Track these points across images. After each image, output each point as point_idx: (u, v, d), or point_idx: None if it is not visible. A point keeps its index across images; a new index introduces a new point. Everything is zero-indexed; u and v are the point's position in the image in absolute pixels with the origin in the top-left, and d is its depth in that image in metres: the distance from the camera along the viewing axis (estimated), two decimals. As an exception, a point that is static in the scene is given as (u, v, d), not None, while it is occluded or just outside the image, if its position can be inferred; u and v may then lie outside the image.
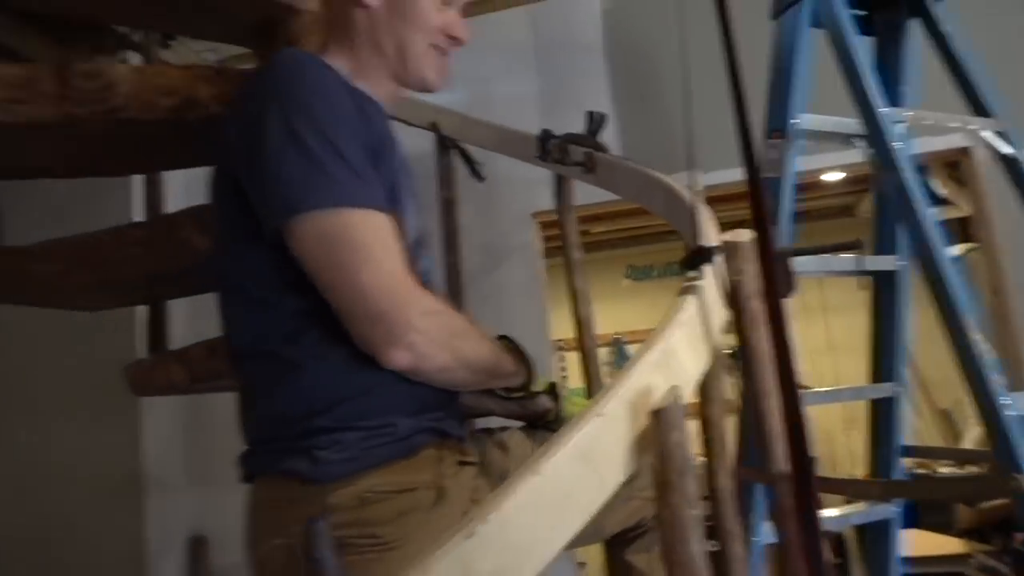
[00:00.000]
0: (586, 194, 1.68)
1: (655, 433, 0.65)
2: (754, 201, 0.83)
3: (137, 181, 2.00)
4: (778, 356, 0.78)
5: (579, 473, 0.63)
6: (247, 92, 0.87)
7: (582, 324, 1.60)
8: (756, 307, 0.91)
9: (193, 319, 1.76)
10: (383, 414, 0.82)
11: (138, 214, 1.97)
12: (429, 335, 0.79)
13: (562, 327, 2.32)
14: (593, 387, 1.57)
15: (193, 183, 1.81)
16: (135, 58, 2.16)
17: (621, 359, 4.71)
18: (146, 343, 1.60)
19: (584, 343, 1.60)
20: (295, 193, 0.78)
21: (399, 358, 0.78)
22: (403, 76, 0.96)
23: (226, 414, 2.01)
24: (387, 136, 0.90)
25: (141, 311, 1.92)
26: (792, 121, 1.52)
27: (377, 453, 0.81)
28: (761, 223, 0.83)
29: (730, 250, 0.91)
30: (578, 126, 1.53)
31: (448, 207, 1.78)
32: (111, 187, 2.05)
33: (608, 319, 4.62)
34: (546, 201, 2.07)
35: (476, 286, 2.07)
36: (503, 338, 0.97)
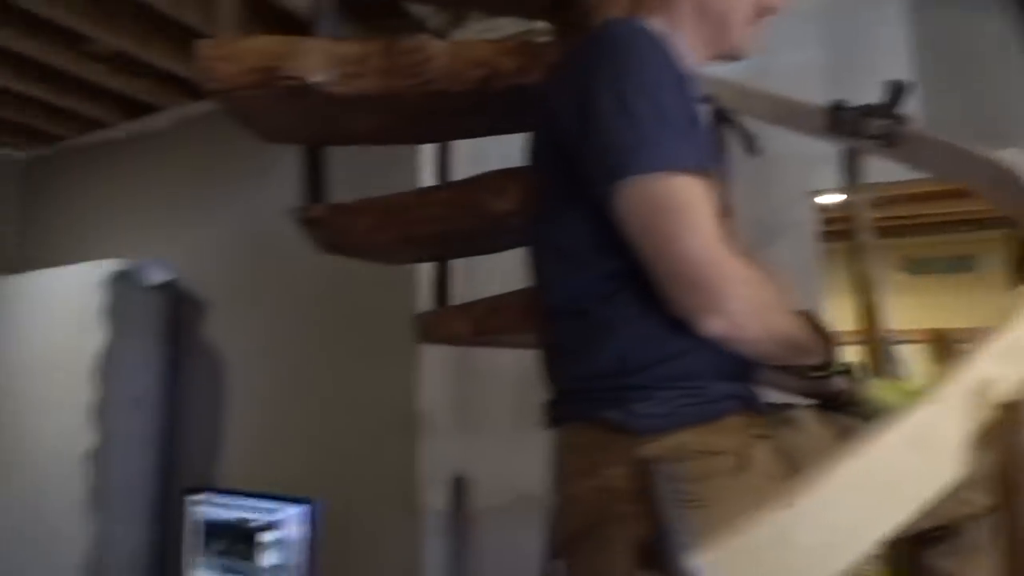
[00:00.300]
0: (875, 174, 1.54)
1: (1001, 429, 0.59)
2: None
3: (428, 149, 2.20)
4: None
5: (909, 460, 0.58)
6: (576, 61, 0.90)
7: (871, 312, 1.47)
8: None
9: (467, 280, 1.90)
10: (694, 377, 0.83)
11: (426, 180, 2.16)
12: (746, 305, 0.79)
13: (834, 318, 2.16)
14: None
15: (479, 152, 1.96)
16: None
17: (888, 359, 4.26)
18: (430, 297, 1.77)
19: (872, 334, 1.47)
20: (623, 158, 0.80)
21: (715, 325, 0.79)
22: (719, 44, 0.96)
23: (491, 369, 2.18)
24: (697, 103, 0.90)
25: (426, 268, 2.13)
26: None
27: (688, 412, 0.82)
28: None
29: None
30: (866, 98, 1.39)
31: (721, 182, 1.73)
32: (404, 155, 2.28)
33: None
34: (824, 180, 1.93)
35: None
36: (806, 313, 0.93)
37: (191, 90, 2.92)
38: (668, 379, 0.83)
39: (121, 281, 2.85)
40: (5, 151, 3.78)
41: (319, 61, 1.32)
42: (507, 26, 2.49)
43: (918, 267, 4.46)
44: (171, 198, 3.20)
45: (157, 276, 2.95)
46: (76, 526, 2.66)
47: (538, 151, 0.96)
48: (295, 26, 2.33)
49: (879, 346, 1.46)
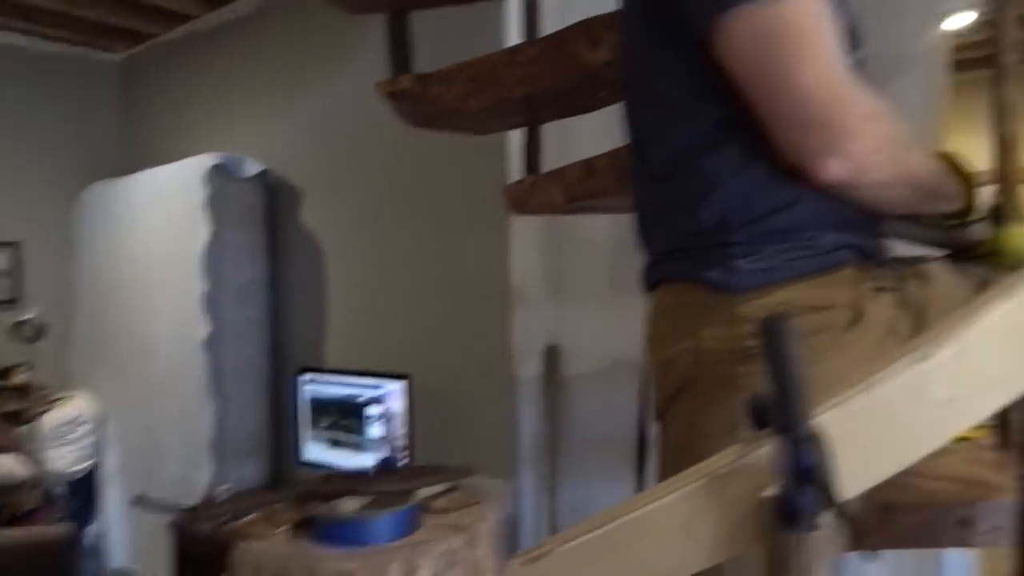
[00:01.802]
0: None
1: None
2: None
3: (512, 3, 2.06)
4: None
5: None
6: None
7: (1006, 146, 1.31)
8: None
9: (563, 144, 1.81)
10: (805, 227, 0.76)
11: (513, 38, 2.05)
12: (872, 144, 0.71)
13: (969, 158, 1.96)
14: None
15: (565, 2, 1.82)
16: None
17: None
18: (520, 165, 1.70)
19: (1005, 168, 1.32)
20: None
21: (836, 169, 0.71)
22: None
23: (583, 237, 2.13)
24: None
25: (514, 136, 2.06)
26: None
27: (796, 265, 0.76)
28: None
29: None
30: None
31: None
32: (488, 11, 2.14)
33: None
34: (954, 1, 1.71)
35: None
36: (945, 154, 0.82)
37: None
38: (775, 232, 0.76)
39: (218, 175, 2.94)
40: (100, 55, 3.86)
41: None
42: None
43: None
44: (259, 86, 3.22)
45: (251, 167, 3.01)
46: (201, 406, 2.89)
47: None
48: None
49: (1013, 189, 1.31)
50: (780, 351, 0.46)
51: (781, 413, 0.46)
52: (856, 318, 0.76)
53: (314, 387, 2.67)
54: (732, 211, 0.77)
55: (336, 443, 2.58)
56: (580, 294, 2.17)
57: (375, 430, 2.45)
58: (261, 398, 3.06)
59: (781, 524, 0.44)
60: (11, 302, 3.52)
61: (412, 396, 2.36)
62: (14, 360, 3.29)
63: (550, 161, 1.62)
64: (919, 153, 0.77)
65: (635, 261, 0.93)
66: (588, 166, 1.36)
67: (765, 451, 0.48)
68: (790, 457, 0.43)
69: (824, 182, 0.72)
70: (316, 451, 2.65)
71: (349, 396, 2.54)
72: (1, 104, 3.55)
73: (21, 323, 2.81)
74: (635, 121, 0.89)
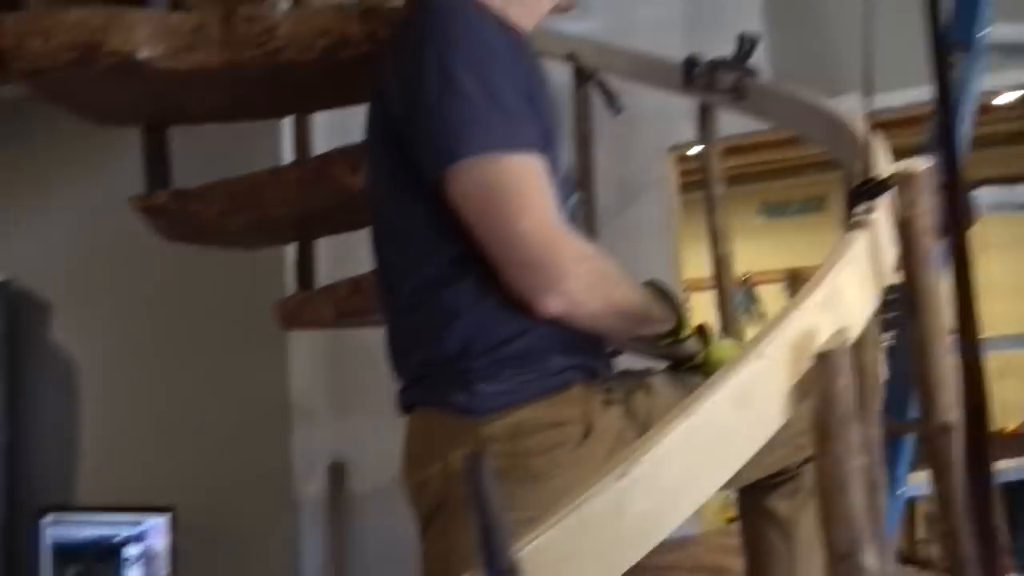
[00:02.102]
0: (727, 127, 1.61)
1: (818, 378, 0.62)
2: (942, 127, 0.75)
3: (287, 124, 2.09)
4: (960, 298, 0.72)
5: (736, 416, 0.61)
6: (402, 36, 0.87)
7: (720, 263, 1.54)
8: (929, 244, 0.84)
9: (339, 257, 1.84)
10: (536, 353, 0.83)
11: (287, 156, 2.07)
12: (582, 282, 0.80)
13: (692, 266, 2.26)
14: (728, 328, 1.53)
15: (338, 124, 1.88)
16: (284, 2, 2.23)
17: (748, 299, 4.53)
18: (295, 280, 1.70)
19: (721, 283, 1.55)
20: (453, 140, 0.79)
21: (552, 305, 0.79)
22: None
23: (365, 348, 2.13)
24: (540, 72, 0.90)
25: (290, 249, 2.05)
26: (979, 33, 1.36)
27: (530, 388, 0.83)
28: (950, 151, 0.75)
29: (903, 181, 0.84)
30: (725, 50, 1.44)
31: (583, 141, 1.75)
32: (262, 131, 2.16)
33: (738, 258, 4.41)
34: (684, 134, 2.00)
35: (609, 222, 2.04)
36: (651, 283, 0.95)
37: (6, 69, 2.64)
38: (511, 358, 0.83)
39: (-52, 284, 2.58)
40: None
41: (146, 35, 1.22)
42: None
43: (774, 210, 4.73)
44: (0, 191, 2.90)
45: (-13, 277, 2.69)
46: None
47: (373, 129, 0.93)
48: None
49: (730, 293, 1.54)
50: (477, 489, 0.49)
51: (482, 548, 0.49)
52: (587, 432, 0.84)
53: (59, 529, 2.31)
54: (472, 340, 0.83)
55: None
56: (365, 408, 2.14)
57: (134, 574, 2.19)
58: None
59: None
60: None
61: (177, 531, 2.14)
62: None
63: (333, 272, 1.64)
64: (627, 286, 0.86)
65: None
66: (356, 284, 1.39)
67: None
68: None
69: (544, 316, 0.80)
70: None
71: (103, 537, 2.23)
72: None
73: None
74: (381, 253, 0.94)
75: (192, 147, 1.53)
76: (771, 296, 4.51)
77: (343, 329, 2.00)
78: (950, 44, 1.41)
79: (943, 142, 0.78)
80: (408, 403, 0.93)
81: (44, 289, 2.76)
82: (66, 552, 2.31)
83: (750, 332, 1.06)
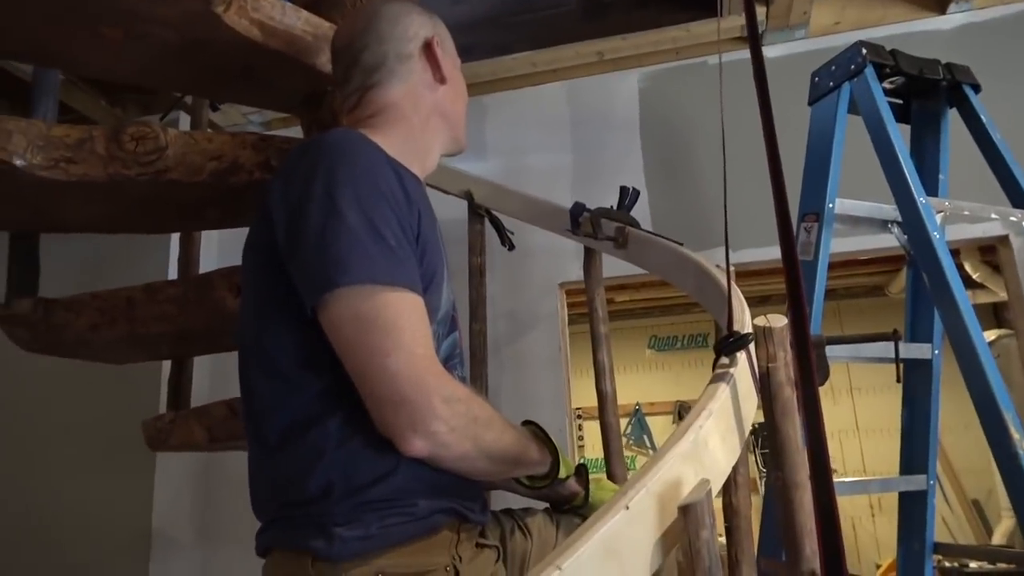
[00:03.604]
0: (614, 266, 1.69)
1: (683, 529, 0.63)
2: (792, 292, 0.82)
3: (174, 239, 2.05)
4: (812, 449, 0.75)
5: (603, 569, 0.60)
6: (292, 166, 0.87)
7: (604, 398, 1.57)
8: (788, 395, 0.89)
9: (215, 377, 1.77)
10: (402, 495, 0.80)
11: (173, 271, 2.00)
12: (451, 423, 0.78)
13: (583, 395, 2.30)
14: (613, 461, 1.54)
15: (227, 243, 1.85)
16: (185, 119, 2.23)
17: (639, 429, 4.62)
18: (166, 399, 1.60)
19: (605, 418, 1.57)
20: (332, 269, 0.78)
21: (419, 446, 0.77)
22: (457, 142, 1.01)
23: (235, 473, 2.01)
24: (428, 212, 0.91)
25: (166, 366, 1.94)
26: (828, 205, 1.52)
27: (395, 532, 0.79)
28: (799, 314, 0.81)
29: (763, 335, 0.89)
30: (611, 199, 1.54)
31: (477, 274, 1.78)
32: (149, 244, 2.10)
33: (629, 388, 4.58)
34: (574, 272, 2.08)
35: (500, 353, 2.06)
36: (529, 423, 0.95)
37: None
38: (374, 502, 0.80)
39: None
40: None
41: (25, 143, 1.18)
42: (272, 112, 2.44)
43: (664, 344, 4.94)
44: None
45: None
46: None
47: (252, 255, 0.90)
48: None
49: (611, 429, 1.56)
50: None
51: None
52: None
53: None
54: (334, 482, 0.80)
55: None
56: (232, 537, 2.00)
57: None
58: None
59: None
60: None
61: None
62: None
63: (209, 393, 1.55)
64: (500, 428, 0.85)
65: None
66: (231, 406, 1.32)
67: None
68: None
69: (409, 455, 0.78)
70: None
71: None
72: None
73: None
74: (249, 384, 0.90)
75: (74, 256, 1.46)
76: (661, 426, 4.62)
77: (211, 452, 1.88)
78: (803, 213, 1.58)
79: (792, 302, 0.84)
80: (265, 546, 0.86)
81: None
82: None
83: (640, 461, 1.07)
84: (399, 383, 0.76)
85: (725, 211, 0.91)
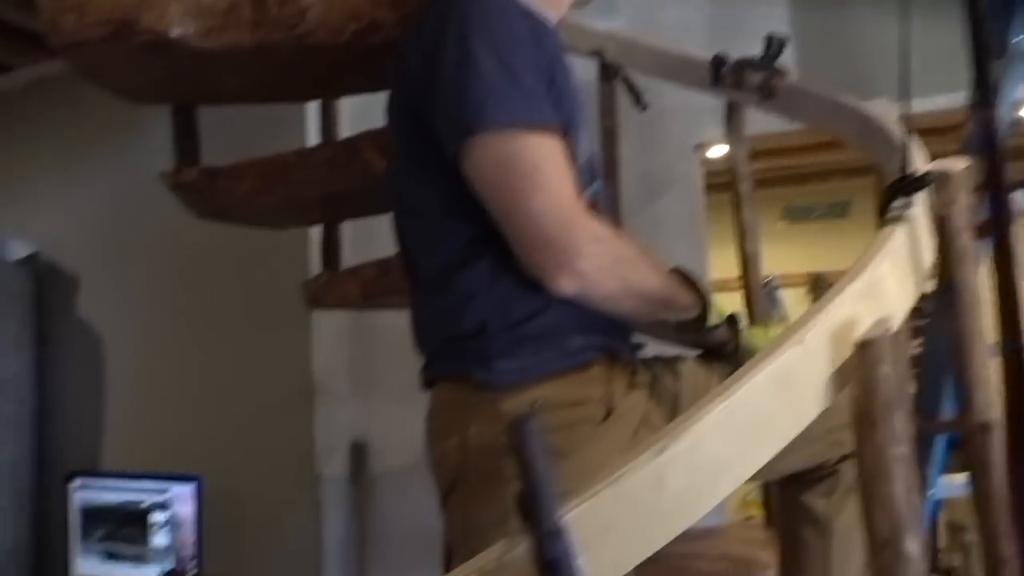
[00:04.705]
0: (753, 125, 1.59)
1: (860, 366, 0.62)
2: (987, 126, 0.74)
3: (312, 109, 2.10)
4: (1002, 296, 0.71)
5: (775, 400, 0.61)
6: (426, 17, 0.88)
7: (748, 260, 1.53)
8: (966, 243, 0.84)
9: (363, 240, 1.84)
10: (555, 331, 0.84)
11: (312, 140, 2.07)
12: (597, 262, 0.79)
13: (717, 267, 2.25)
14: (757, 324, 1.51)
15: (363, 109, 1.88)
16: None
17: (771, 302, 4.50)
18: (320, 262, 1.71)
19: (749, 280, 1.53)
20: (470, 115, 0.79)
21: (566, 285, 0.79)
22: None
23: (387, 331, 2.15)
24: (560, 60, 0.90)
25: (315, 231, 2.06)
26: (1015, 39, 1.34)
27: (549, 365, 0.83)
28: (992, 151, 0.74)
29: (941, 179, 0.83)
30: (750, 51, 1.43)
31: (609, 137, 1.74)
32: (287, 115, 2.17)
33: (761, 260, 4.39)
34: (710, 132, 1.99)
35: (634, 219, 2.03)
36: (677, 269, 0.94)
37: (45, 47, 2.67)
38: (528, 337, 0.84)
39: (-22, 257, 2.62)
40: None
41: (179, 13, 1.23)
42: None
43: (798, 214, 4.70)
44: (31, 165, 2.94)
45: (17, 250, 2.73)
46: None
47: (394, 109, 0.94)
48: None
49: (758, 292, 1.53)
50: (526, 448, 0.49)
51: (531, 509, 0.48)
52: (608, 412, 0.84)
53: (87, 493, 2.37)
54: (489, 319, 0.84)
55: (113, 556, 2.28)
56: (386, 389, 2.16)
57: (160, 539, 2.23)
58: (21, 508, 2.67)
59: None
60: None
61: (203, 500, 2.17)
62: None
63: (355, 256, 1.64)
64: (647, 270, 0.86)
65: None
66: (384, 265, 1.39)
67: (523, 547, 0.51)
68: (539, 551, 0.46)
69: (558, 295, 0.80)
70: (89, 565, 2.31)
71: (129, 502, 2.27)
72: None
73: None
74: (403, 234, 0.96)
75: (217, 127, 1.54)
76: (794, 300, 4.48)
77: (367, 311, 2.01)
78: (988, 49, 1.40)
79: (986, 139, 0.76)
80: (430, 378, 0.94)
81: (72, 261, 2.80)
82: (94, 515, 2.34)
83: (776, 332, 1.05)
84: (544, 224, 0.78)
85: (903, 41, 0.83)
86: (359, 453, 2.17)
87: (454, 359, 0.87)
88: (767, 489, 1.38)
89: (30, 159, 2.95)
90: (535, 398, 0.81)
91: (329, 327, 2.23)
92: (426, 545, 1.99)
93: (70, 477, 2.42)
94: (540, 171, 0.78)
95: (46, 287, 2.82)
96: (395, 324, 2.11)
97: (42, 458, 2.74)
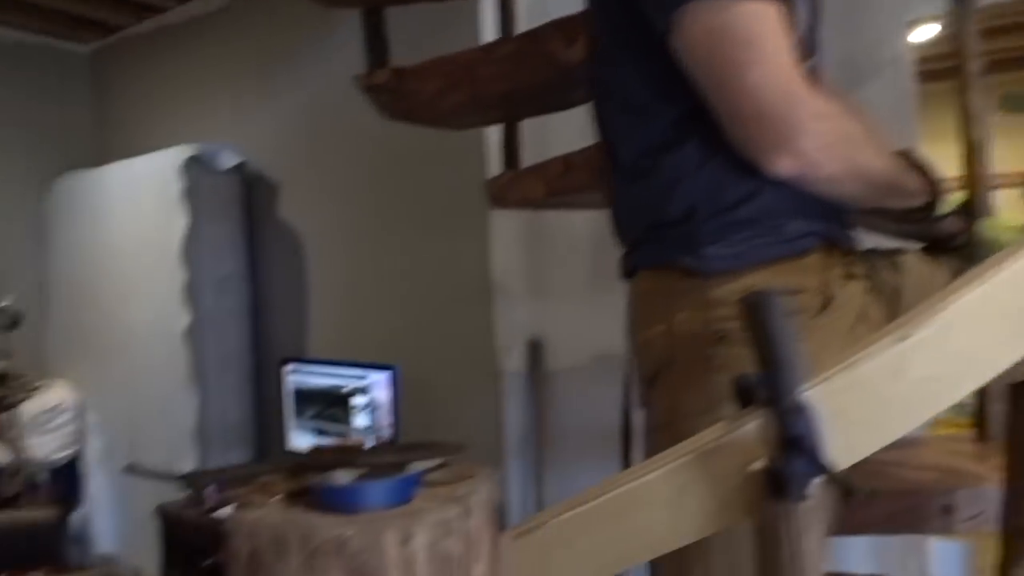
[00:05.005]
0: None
1: None
2: None
3: (487, 4, 2.08)
4: None
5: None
6: None
7: (973, 151, 1.36)
8: None
9: (539, 142, 1.84)
10: (770, 216, 0.79)
11: (487, 35, 2.07)
12: (820, 140, 0.73)
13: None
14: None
15: (538, 4, 1.83)
16: None
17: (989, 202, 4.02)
18: (499, 162, 1.72)
19: (975, 175, 1.36)
20: None
21: (785, 165, 0.73)
22: None
23: (562, 233, 2.16)
24: None
25: (492, 133, 2.08)
26: None
27: (763, 251, 0.79)
28: None
29: None
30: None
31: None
32: (462, 8, 2.16)
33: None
34: (923, 7, 1.76)
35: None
36: (905, 153, 0.86)
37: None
38: (741, 222, 0.79)
39: (195, 166, 2.91)
40: (69, 45, 3.80)
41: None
42: None
43: (1019, 103, 4.11)
44: (234, 78, 3.19)
45: (228, 159, 3.00)
46: (183, 395, 2.88)
47: None
48: None
49: (983, 189, 1.36)
50: (767, 323, 0.47)
51: (770, 385, 0.47)
52: (826, 303, 0.79)
53: (298, 377, 2.68)
54: (699, 203, 0.80)
55: (321, 432, 2.59)
56: (561, 289, 2.20)
57: (361, 419, 2.47)
58: (244, 388, 3.06)
59: (771, 495, 0.46)
60: (-14, 291, 3.49)
61: (397, 387, 2.37)
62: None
63: (529, 157, 1.65)
64: (874, 151, 0.79)
65: (614, 257, 0.97)
66: (567, 162, 1.38)
67: (752, 426, 0.49)
68: (780, 427, 0.45)
69: (775, 176, 0.74)
70: (301, 440, 2.65)
71: (334, 386, 2.54)
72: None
73: (-2, 311, 2.78)
74: (604, 120, 0.93)
75: (394, 26, 1.56)
76: (1008, 202, 3.99)
77: (549, 210, 2.03)
78: None
79: None
80: (631, 267, 0.92)
81: (275, 168, 3.06)
82: (305, 396, 2.64)
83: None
84: (762, 97, 0.72)
85: None
86: (535, 350, 2.24)
87: (659, 246, 0.85)
88: (982, 400, 1.27)
89: (235, 74, 3.19)
90: (747, 286, 0.77)
91: (507, 228, 2.29)
92: (599, 438, 2.05)
93: (283, 363, 2.72)
94: (758, 40, 0.72)
95: (254, 193, 3.11)
96: (570, 226, 2.15)
97: (259, 346, 3.10)
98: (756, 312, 0.46)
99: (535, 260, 2.26)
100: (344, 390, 2.51)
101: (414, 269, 2.59)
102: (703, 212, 0.80)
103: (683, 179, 0.81)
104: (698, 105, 0.78)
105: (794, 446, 0.46)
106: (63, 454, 3.28)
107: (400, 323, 2.64)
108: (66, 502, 3.26)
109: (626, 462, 1.74)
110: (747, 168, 0.76)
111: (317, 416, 2.61)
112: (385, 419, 2.39)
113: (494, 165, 2.06)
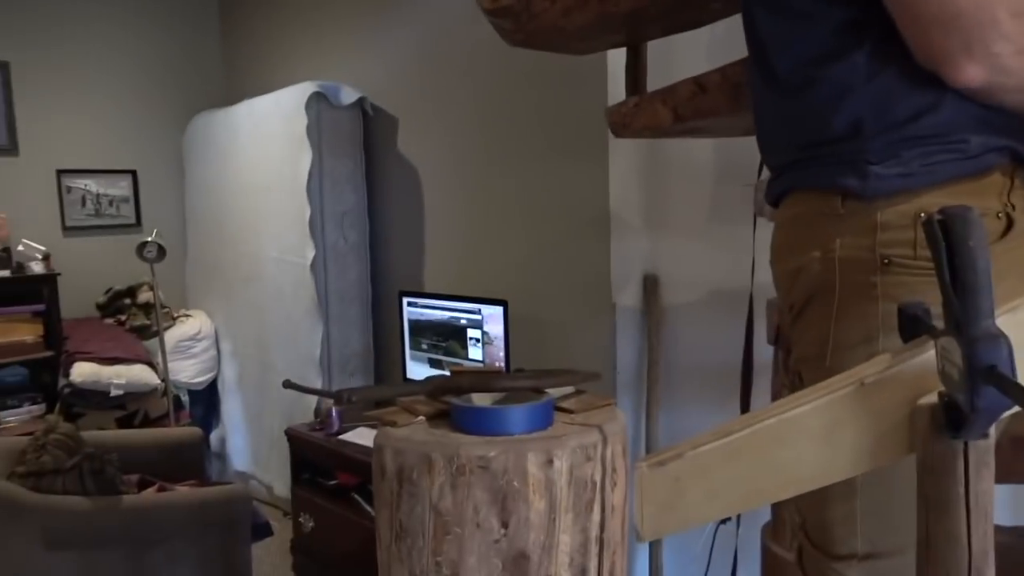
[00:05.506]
0: None
1: None
2: None
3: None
4: None
5: None
6: None
7: None
8: None
9: (665, 67, 1.75)
10: (950, 130, 0.70)
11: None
12: (1018, 44, 0.63)
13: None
14: None
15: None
16: None
17: None
18: (620, 88, 1.65)
19: None
20: None
21: (972, 74, 0.64)
22: None
23: (681, 165, 2.07)
24: None
25: (613, 59, 2.00)
26: None
27: (940, 170, 0.70)
28: None
29: None
30: None
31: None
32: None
33: None
34: None
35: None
36: None
37: None
38: (915, 138, 0.71)
39: (318, 103, 2.98)
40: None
41: None
42: None
43: None
44: (354, 13, 3.22)
45: (349, 95, 3.05)
46: (308, 325, 3.03)
47: None
48: None
49: None
50: (961, 244, 0.42)
51: (961, 310, 0.42)
52: (1008, 227, 0.71)
53: (413, 310, 2.76)
54: (867, 117, 0.72)
55: (436, 363, 2.67)
56: (679, 224, 2.12)
57: (474, 352, 2.52)
58: (364, 319, 3.19)
59: (948, 430, 0.42)
60: (132, 226, 3.77)
61: (509, 321, 2.40)
62: (138, 280, 3.54)
63: (651, 84, 1.57)
64: None
65: (734, 190, 0.90)
66: (699, 83, 1.30)
67: (924, 357, 0.45)
68: (970, 356, 0.40)
69: (960, 86, 0.66)
70: (418, 370, 2.75)
71: (448, 319, 2.60)
72: (111, 35, 3.71)
73: (143, 245, 2.99)
74: (757, 28, 0.84)
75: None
76: None
77: (672, 139, 1.95)
78: None
79: None
80: (782, 190, 0.85)
81: (392, 103, 3.10)
82: (420, 328, 2.73)
83: None
84: None
85: None
86: (651, 285, 2.19)
87: (818, 166, 0.78)
88: None
89: (352, 10, 3.22)
90: (919, 208, 0.70)
91: (625, 159, 2.22)
92: (713, 377, 2.00)
93: (400, 296, 2.80)
94: None
95: (372, 128, 3.16)
96: (687, 159, 2.05)
97: (378, 278, 3.21)
98: (951, 229, 0.41)
99: (653, 192, 2.18)
100: (458, 323, 2.56)
101: (529, 202, 2.58)
102: (871, 128, 0.72)
103: (849, 92, 0.73)
104: (868, 9, 0.70)
105: (986, 377, 0.41)
106: (202, 378, 3.55)
107: (513, 257, 2.65)
108: (205, 423, 3.55)
109: (745, 402, 1.68)
110: (924, 79, 0.68)
111: (432, 348, 2.68)
112: (498, 352, 2.42)
113: (615, 92, 1.99)
